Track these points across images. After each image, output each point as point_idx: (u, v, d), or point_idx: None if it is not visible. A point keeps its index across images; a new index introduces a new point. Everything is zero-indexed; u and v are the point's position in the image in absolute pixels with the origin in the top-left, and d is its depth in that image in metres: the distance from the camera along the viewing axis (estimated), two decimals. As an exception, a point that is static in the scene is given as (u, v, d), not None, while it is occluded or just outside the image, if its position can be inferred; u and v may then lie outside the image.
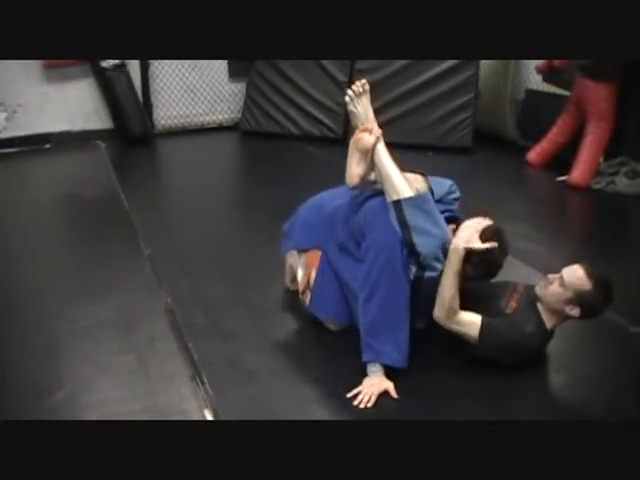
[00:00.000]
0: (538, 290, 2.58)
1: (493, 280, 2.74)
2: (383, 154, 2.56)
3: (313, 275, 2.82)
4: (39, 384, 2.54)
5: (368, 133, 2.60)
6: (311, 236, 2.87)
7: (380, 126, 2.65)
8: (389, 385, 2.49)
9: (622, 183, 4.89)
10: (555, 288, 2.50)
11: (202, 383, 2.54)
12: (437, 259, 2.49)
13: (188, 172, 5.41)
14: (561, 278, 2.49)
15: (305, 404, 2.45)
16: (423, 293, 2.53)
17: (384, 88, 5.79)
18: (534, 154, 5.49)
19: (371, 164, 2.60)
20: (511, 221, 4.21)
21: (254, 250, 3.72)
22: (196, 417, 2.36)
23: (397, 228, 2.47)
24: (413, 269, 2.49)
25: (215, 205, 4.61)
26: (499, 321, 2.54)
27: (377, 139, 2.58)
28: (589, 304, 2.47)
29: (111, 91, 5.87)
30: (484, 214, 2.64)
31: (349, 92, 2.61)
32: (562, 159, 5.24)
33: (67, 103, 5.89)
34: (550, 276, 2.55)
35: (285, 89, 6.07)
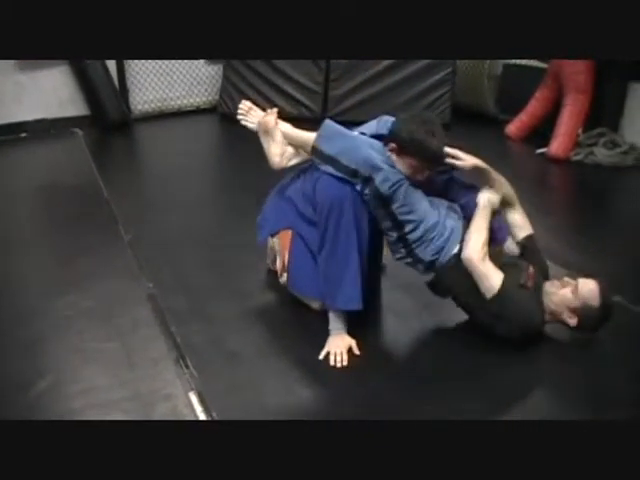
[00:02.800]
0: (549, 286, 2.64)
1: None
2: (287, 127, 2.86)
3: (286, 256, 2.84)
4: (22, 375, 2.52)
5: (266, 115, 2.88)
6: (280, 218, 2.88)
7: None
8: (352, 342, 2.62)
9: (601, 154, 4.91)
10: (566, 292, 2.58)
11: (186, 367, 2.54)
12: (377, 160, 2.51)
13: (167, 157, 5.35)
14: (575, 286, 2.57)
15: (289, 384, 2.46)
16: (383, 204, 2.55)
17: (361, 66, 5.76)
18: (513, 128, 5.50)
19: (283, 142, 2.85)
20: (492, 195, 4.23)
21: (235, 234, 3.69)
22: (181, 401, 2.36)
23: (330, 169, 2.54)
24: (367, 192, 2.52)
25: (195, 189, 4.58)
26: (518, 289, 2.57)
27: (274, 116, 2.86)
28: (588, 320, 2.57)
29: (86, 77, 5.78)
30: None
31: (240, 108, 2.96)
32: (541, 132, 5.26)
33: (42, 91, 5.79)
34: (566, 279, 2.64)
35: (262, 70, 6.00)
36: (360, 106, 5.76)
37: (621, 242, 3.67)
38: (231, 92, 6.16)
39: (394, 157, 2.55)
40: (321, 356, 2.58)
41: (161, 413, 2.31)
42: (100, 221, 3.93)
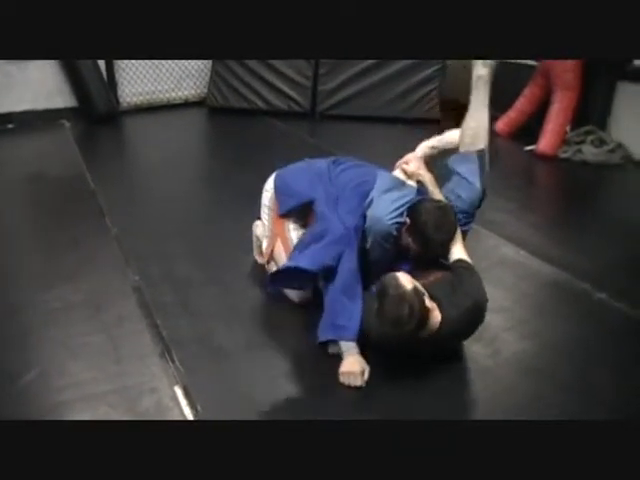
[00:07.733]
0: None
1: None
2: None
3: (278, 244, 2.84)
4: (8, 368, 2.51)
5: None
6: (309, 190, 2.88)
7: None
8: (366, 367, 2.46)
9: (589, 152, 4.94)
10: None
11: (172, 361, 2.54)
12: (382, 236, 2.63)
13: (155, 149, 5.34)
14: None
15: (275, 378, 2.46)
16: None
17: (350, 61, 5.77)
18: (501, 124, 5.52)
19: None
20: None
21: (222, 227, 3.69)
22: (166, 395, 2.36)
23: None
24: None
25: (183, 182, 4.57)
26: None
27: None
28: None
29: (74, 69, 5.76)
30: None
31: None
32: (529, 129, 5.27)
33: (30, 82, 5.76)
34: None
35: (251, 63, 6.00)
36: (349, 101, 5.75)
37: (605, 239, 3.69)
38: (220, 85, 6.15)
39: (404, 227, 2.63)
40: (342, 380, 2.42)
41: (146, 407, 2.30)
42: (86, 213, 3.91)
